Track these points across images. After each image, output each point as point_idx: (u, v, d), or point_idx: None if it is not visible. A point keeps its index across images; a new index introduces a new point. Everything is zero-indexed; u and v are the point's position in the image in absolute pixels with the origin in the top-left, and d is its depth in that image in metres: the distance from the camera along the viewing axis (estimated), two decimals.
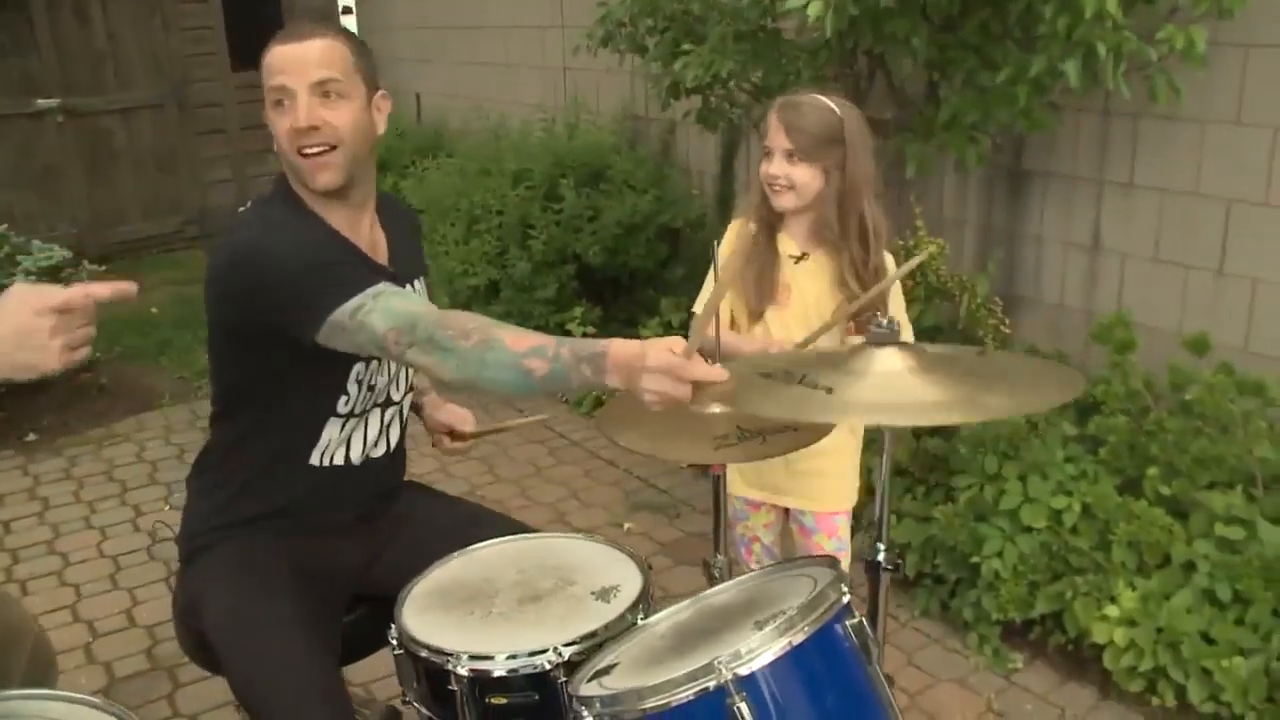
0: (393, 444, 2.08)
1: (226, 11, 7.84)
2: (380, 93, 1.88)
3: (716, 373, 1.46)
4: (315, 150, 1.79)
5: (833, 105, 2.18)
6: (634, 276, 4.93)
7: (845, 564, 2.39)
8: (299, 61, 1.79)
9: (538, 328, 4.83)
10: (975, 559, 2.89)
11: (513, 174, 4.99)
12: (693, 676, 1.35)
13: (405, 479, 2.22)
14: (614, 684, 1.47)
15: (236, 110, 7.86)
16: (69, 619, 3.25)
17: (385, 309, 1.66)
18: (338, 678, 1.83)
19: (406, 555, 1.98)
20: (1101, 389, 3.04)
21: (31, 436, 4.54)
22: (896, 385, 1.50)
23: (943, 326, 3.75)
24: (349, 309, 1.66)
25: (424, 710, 1.76)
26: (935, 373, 1.51)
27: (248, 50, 7.86)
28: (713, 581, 2.03)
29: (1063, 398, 1.49)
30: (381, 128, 1.89)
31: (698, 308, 2.46)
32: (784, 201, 2.20)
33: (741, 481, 2.42)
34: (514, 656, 1.65)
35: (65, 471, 4.25)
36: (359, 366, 1.92)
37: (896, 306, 2.28)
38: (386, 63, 8.26)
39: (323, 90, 1.78)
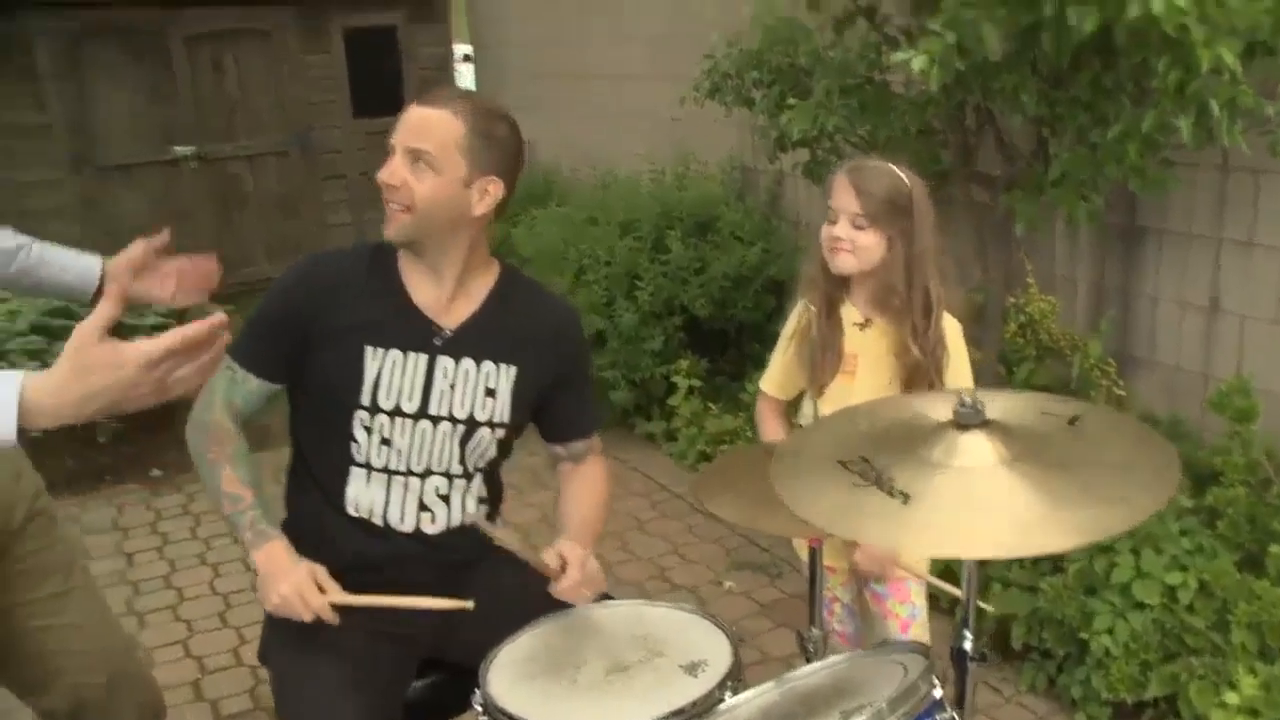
0: (453, 521, 2.06)
1: (350, 61, 8.11)
2: (489, 178, 1.91)
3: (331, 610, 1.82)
4: (392, 206, 1.90)
5: (901, 174, 2.17)
6: (741, 329, 4.92)
7: (920, 631, 2.33)
8: (410, 125, 1.89)
9: (645, 379, 4.88)
10: (1084, 635, 2.79)
11: (621, 224, 5.04)
12: None
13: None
14: None
15: (356, 156, 8.13)
16: (180, 654, 3.36)
17: (220, 377, 1.96)
18: None
19: (488, 622, 1.94)
20: (1220, 459, 2.93)
21: (156, 472, 4.72)
22: (982, 488, 1.42)
23: (1054, 387, 3.66)
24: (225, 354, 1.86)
25: None
26: (1026, 464, 1.45)
27: (368, 99, 8.22)
28: (807, 655, 2.01)
29: (1163, 494, 1.42)
30: (479, 210, 1.92)
31: (765, 383, 2.44)
32: (843, 264, 2.19)
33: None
34: None
35: (184, 507, 4.41)
36: (361, 414, 1.96)
37: (960, 377, 2.24)
38: None
39: (415, 156, 1.87)
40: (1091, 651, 2.77)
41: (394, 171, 1.88)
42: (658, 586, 3.68)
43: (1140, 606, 2.76)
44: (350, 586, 1.92)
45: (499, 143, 1.92)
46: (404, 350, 1.96)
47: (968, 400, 1.53)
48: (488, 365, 2.01)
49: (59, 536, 1.98)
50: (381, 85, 8.23)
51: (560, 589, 1.91)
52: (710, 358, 4.90)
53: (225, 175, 7.82)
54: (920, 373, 2.20)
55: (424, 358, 1.97)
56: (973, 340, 3.83)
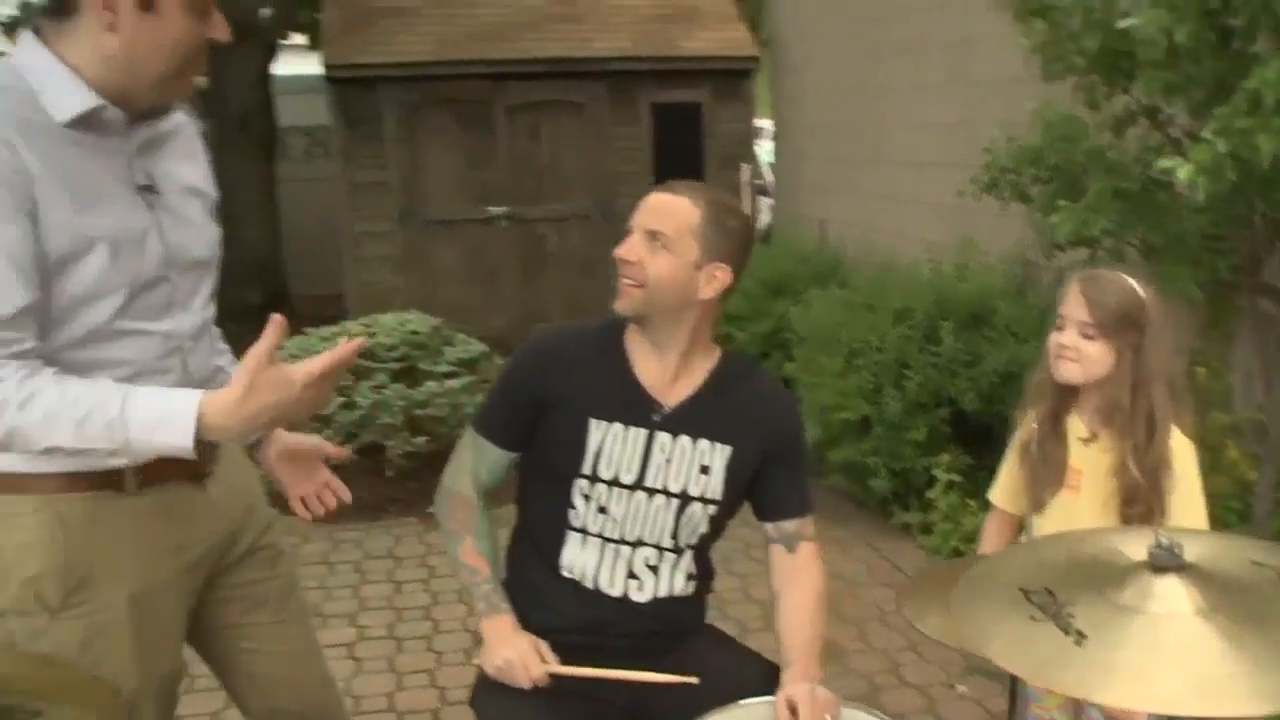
0: (660, 592, 2.12)
1: (655, 134, 8.51)
2: (718, 264, 2.00)
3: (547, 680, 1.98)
4: (626, 280, 2.01)
5: (1137, 286, 2.08)
6: (1008, 426, 4.74)
7: None
8: (650, 208, 2.02)
9: (905, 469, 4.81)
10: None
11: (895, 311, 5.01)
12: None
13: (707, 623, 2.30)
14: None
15: None
16: (426, 682, 3.61)
17: (466, 448, 2.16)
18: None
19: (687, 698, 1.98)
20: None
21: (432, 509, 5.08)
22: (1169, 637, 1.36)
23: None
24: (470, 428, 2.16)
25: None
26: (1222, 616, 1.37)
27: (670, 170, 8.49)
28: None
29: None
30: (706, 294, 2.01)
31: (994, 494, 2.39)
32: (1067, 372, 2.12)
33: None
34: None
35: None
36: (581, 482, 2.05)
37: (1186, 503, 2.11)
38: (795, 190, 8.60)
39: (652, 236, 1.98)
40: None
41: (632, 248, 1.99)
42: (888, 681, 3.61)
43: None
44: (557, 644, 2.04)
45: (730, 233, 2.02)
46: (625, 424, 2.06)
47: (1164, 541, 1.47)
48: (703, 443, 2.08)
49: (280, 572, 2.08)
50: (683, 158, 8.58)
51: None
52: (974, 453, 4.77)
53: (532, 235, 8.37)
54: (1139, 494, 2.09)
55: (643, 432, 2.07)
56: (1250, 463, 3.59)
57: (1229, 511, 3.62)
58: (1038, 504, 2.22)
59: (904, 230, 6.50)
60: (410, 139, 8.22)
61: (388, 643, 3.91)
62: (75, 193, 1.61)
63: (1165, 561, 1.46)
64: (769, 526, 2.18)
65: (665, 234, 1.97)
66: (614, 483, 2.07)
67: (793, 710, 1.89)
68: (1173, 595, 1.43)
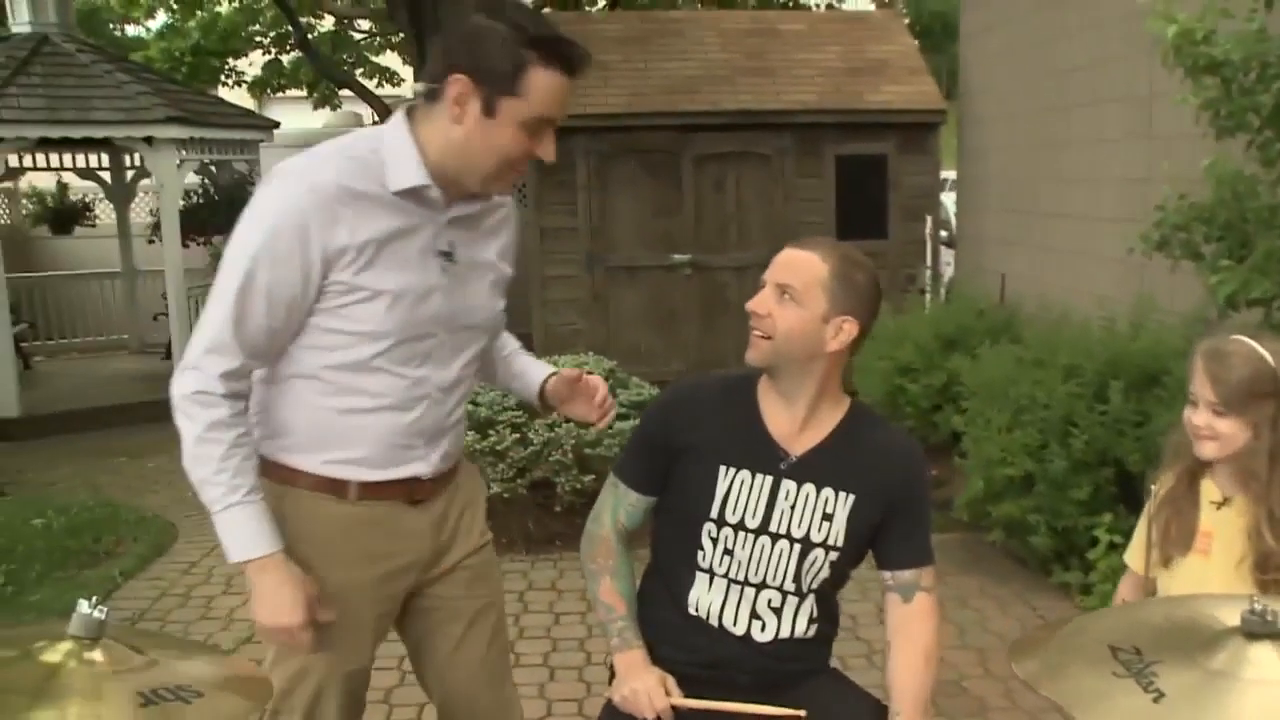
0: (782, 633, 2.21)
1: (839, 186, 8.58)
2: (845, 317, 2.10)
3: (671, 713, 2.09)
4: (756, 332, 2.13)
5: (1265, 354, 2.05)
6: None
7: None
8: (782, 262, 2.14)
9: (1067, 528, 4.73)
10: None
11: (1064, 368, 4.94)
12: None
13: (831, 665, 2.38)
14: None
15: None
16: (574, 710, 3.79)
17: (608, 494, 2.30)
18: None
19: None
20: None
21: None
22: (1255, 705, 1.35)
23: None
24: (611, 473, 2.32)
25: None
26: None
27: (852, 221, 8.64)
28: None
29: None
30: (833, 346, 2.11)
31: (1128, 555, 2.39)
32: (1206, 451, 2.11)
33: None
34: None
35: None
36: (709, 525, 2.17)
37: None
38: (976, 242, 8.51)
39: (782, 290, 2.09)
40: None
41: (762, 301, 2.11)
42: None
43: None
44: (682, 677, 2.17)
45: (857, 287, 2.12)
46: (752, 471, 2.18)
47: (1258, 608, 1.48)
48: (827, 491, 2.17)
49: (479, 593, 2.29)
50: (867, 209, 8.63)
51: None
52: (1139, 514, 4.63)
53: (714, 283, 8.56)
54: (1273, 560, 2.07)
55: (769, 479, 2.17)
56: None
57: None
58: (1165, 562, 2.22)
59: (1080, 286, 6.37)
60: (600, 187, 8.56)
61: (542, 670, 4.11)
62: (380, 251, 1.95)
63: (1258, 628, 1.45)
64: (887, 575, 2.25)
65: (794, 287, 2.09)
66: (740, 526, 2.18)
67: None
68: (1265, 663, 1.41)
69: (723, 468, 2.18)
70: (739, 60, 9.06)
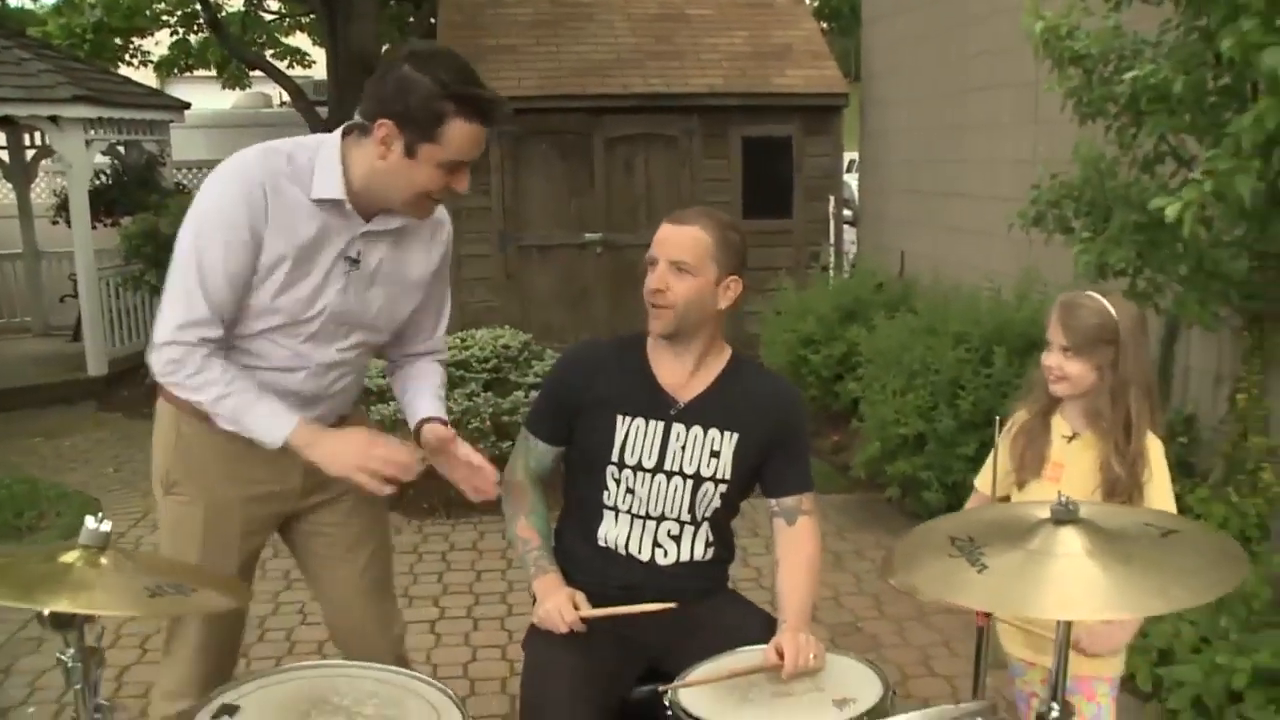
0: (683, 557, 2.49)
1: (745, 166, 8.88)
2: (732, 278, 2.41)
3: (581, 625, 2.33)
4: (658, 306, 2.39)
5: (1109, 306, 2.36)
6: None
7: None
8: (672, 242, 2.40)
9: (956, 483, 5.07)
10: None
11: (954, 336, 5.29)
12: None
13: (730, 588, 2.65)
14: None
15: None
16: (498, 656, 4.02)
17: (521, 445, 2.54)
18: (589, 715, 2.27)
19: (704, 646, 2.31)
20: None
21: None
22: (1054, 569, 1.67)
23: None
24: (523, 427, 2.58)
25: None
26: (1104, 557, 1.68)
27: (758, 201, 8.94)
28: None
29: (1219, 590, 1.62)
30: (723, 305, 2.41)
31: (978, 479, 2.69)
32: (1059, 390, 2.41)
33: (1012, 642, 2.60)
34: None
35: None
36: (611, 468, 2.45)
37: (1157, 497, 2.38)
38: (878, 220, 8.87)
39: (677, 266, 2.37)
40: None
41: (661, 279, 2.38)
42: (918, 671, 3.90)
43: None
44: (599, 597, 2.41)
45: (735, 248, 2.42)
46: (646, 418, 2.46)
47: (1063, 500, 1.79)
48: (713, 432, 2.46)
49: (357, 521, 2.54)
50: (772, 189, 8.94)
51: (785, 676, 2.22)
52: None
53: (624, 261, 8.78)
54: (1120, 486, 2.38)
55: (662, 424, 2.46)
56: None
57: (1256, 529, 3.83)
58: (1020, 485, 2.52)
59: (975, 261, 6.75)
60: (513, 168, 8.73)
61: (465, 622, 4.34)
62: (290, 245, 2.21)
63: (1063, 515, 1.78)
64: (772, 502, 2.54)
65: (688, 262, 2.37)
66: (638, 467, 2.46)
67: (780, 654, 2.23)
68: (1068, 541, 1.75)
69: (620, 416, 2.46)
70: (648, 44, 9.30)
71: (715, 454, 2.46)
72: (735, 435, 2.46)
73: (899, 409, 5.28)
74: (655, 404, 2.46)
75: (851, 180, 10.56)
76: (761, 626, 2.45)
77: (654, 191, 8.86)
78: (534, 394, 5.69)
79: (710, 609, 2.50)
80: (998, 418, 2.54)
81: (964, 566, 1.74)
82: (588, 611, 2.37)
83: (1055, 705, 1.82)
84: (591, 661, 2.34)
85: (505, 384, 5.74)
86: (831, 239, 8.82)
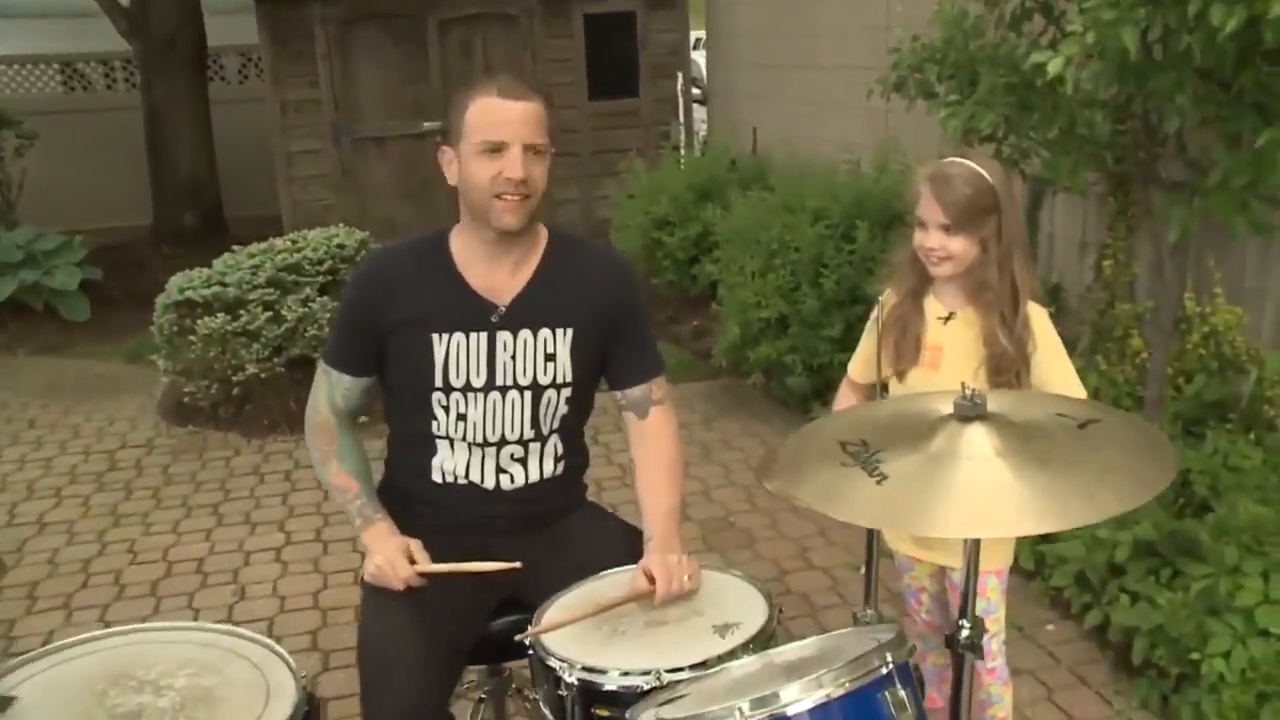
0: (531, 479, 2.22)
1: (588, 46, 8.46)
2: (552, 150, 2.10)
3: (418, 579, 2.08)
4: (516, 198, 2.03)
5: (984, 171, 2.15)
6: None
7: (994, 628, 2.33)
8: (519, 122, 2.03)
9: (822, 366, 4.93)
10: (1198, 656, 2.69)
11: (813, 211, 5.09)
12: (715, 717, 1.45)
13: (588, 499, 2.41)
14: (667, 713, 1.58)
15: (589, 136, 8.51)
16: (350, 581, 3.72)
17: (320, 381, 2.22)
18: (440, 674, 2.04)
19: (561, 575, 2.09)
20: None
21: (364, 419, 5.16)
22: (964, 476, 1.47)
23: (1229, 402, 3.50)
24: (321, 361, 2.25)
25: (546, 711, 1.93)
26: (1017, 457, 1.48)
27: (603, 81, 8.55)
28: None
29: (1151, 491, 1.43)
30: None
31: (850, 367, 2.49)
32: (943, 271, 2.21)
33: (897, 538, 2.44)
34: (624, 674, 1.77)
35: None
36: (438, 394, 2.14)
37: (1053, 363, 2.22)
38: (729, 96, 8.60)
39: (534, 150, 2.04)
40: (1204, 675, 2.67)
41: (526, 166, 2.02)
42: (795, 564, 3.77)
43: (1264, 634, 2.64)
44: (442, 541, 2.13)
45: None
46: (465, 332, 2.13)
47: (968, 393, 1.58)
48: (544, 333, 2.15)
49: None
50: (617, 68, 8.56)
51: (658, 603, 1.98)
52: None
53: None
54: (1007, 361, 2.20)
55: (484, 335, 2.14)
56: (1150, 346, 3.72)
57: (1129, 397, 3.77)
58: (900, 376, 2.32)
59: (831, 134, 6.55)
60: (341, 56, 8.11)
61: (315, 545, 4.03)
62: None
63: (969, 411, 1.57)
64: (618, 395, 2.27)
65: (542, 143, 2.05)
66: (467, 389, 2.15)
67: (651, 579, 1.99)
68: (976, 441, 1.54)
69: (435, 335, 2.13)
70: None
71: (550, 357, 2.17)
72: (569, 330, 2.17)
73: (759, 291, 5.08)
74: (473, 313, 2.14)
75: (700, 58, 10.20)
76: (625, 541, 2.23)
77: (494, 75, 8.37)
78: None
79: (567, 527, 2.27)
80: (880, 299, 2.34)
81: (859, 477, 1.52)
82: (425, 566, 2.09)
83: (965, 623, 1.63)
84: (437, 612, 2.08)
85: (342, 286, 5.31)
86: (681, 117, 8.52)
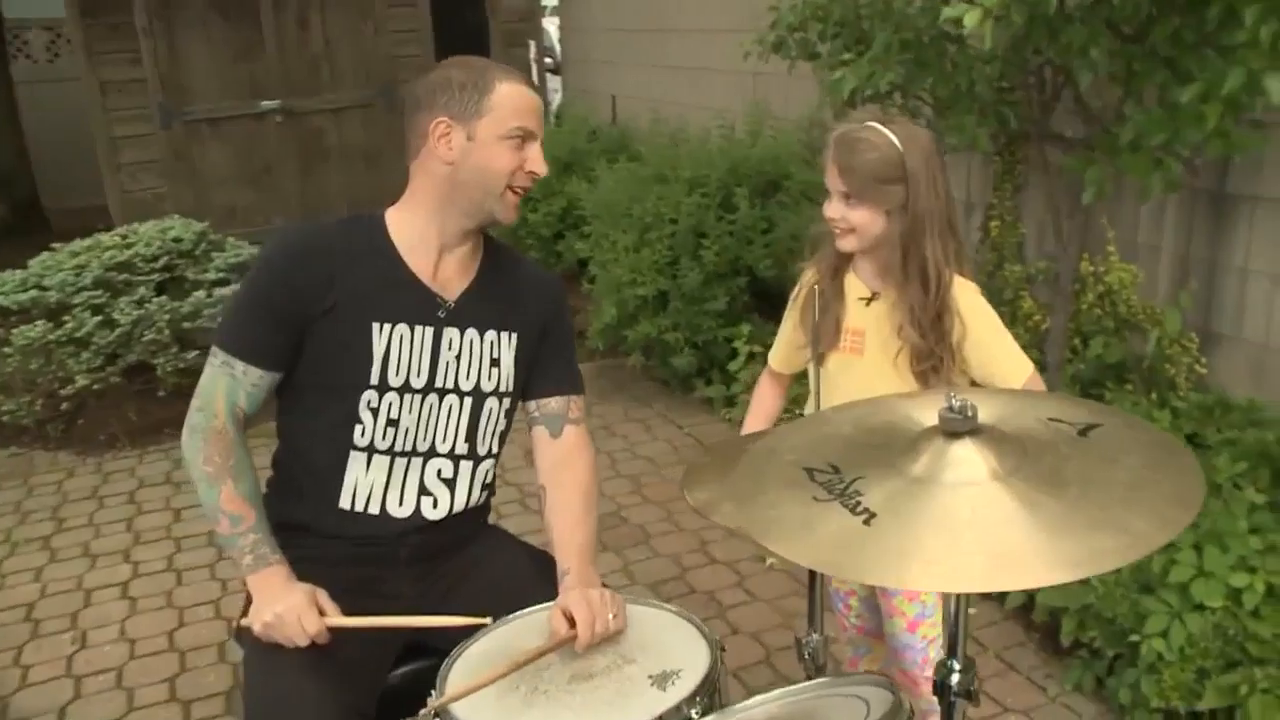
0: (456, 507, 1.96)
1: (434, 15, 8.04)
2: None
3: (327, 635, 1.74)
4: (524, 192, 1.88)
5: (893, 137, 1.92)
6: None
7: (929, 631, 2.15)
8: (535, 111, 1.87)
9: (707, 342, 4.71)
10: (1136, 636, 2.57)
11: (688, 181, 4.85)
12: None
13: (490, 522, 2.13)
14: None
15: None
16: (211, 614, 3.35)
17: (218, 376, 1.82)
18: None
19: (469, 607, 1.82)
20: None
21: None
22: (964, 509, 1.23)
23: (1129, 363, 3.41)
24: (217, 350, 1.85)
25: None
26: (1019, 480, 1.25)
27: (453, 52, 8.08)
28: (803, 661, 1.85)
29: (1176, 524, 1.20)
30: None
31: (770, 356, 2.29)
32: (846, 245, 2.00)
33: None
34: None
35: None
36: (369, 394, 1.85)
37: (993, 344, 2.03)
38: (584, 64, 8.30)
39: (540, 142, 1.88)
40: (1143, 655, 2.55)
41: (542, 163, 1.87)
42: (696, 560, 3.54)
43: (1200, 609, 2.53)
44: (326, 573, 1.82)
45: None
46: (410, 324, 1.87)
47: (956, 403, 1.33)
48: (490, 335, 1.94)
49: None
50: (466, 38, 8.14)
51: (580, 648, 1.71)
52: (774, 322, 4.70)
53: (310, 129, 7.82)
54: (926, 350, 2.00)
55: (430, 330, 1.89)
56: (1044, 313, 3.61)
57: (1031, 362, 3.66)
58: (821, 360, 2.10)
59: (696, 100, 6.34)
60: (165, 30, 7.49)
61: (168, 576, 3.61)
62: None
63: (957, 426, 1.32)
64: (532, 405, 2.04)
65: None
66: (405, 389, 1.87)
67: (571, 621, 1.72)
68: (967, 461, 1.29)
69: (376, 325, 1.85)
70: None
71: (495, 362, 1.94)
72: (514, 336, 1.96)
73: (634, 267, 4.80)
74: (420, 304, 1.88)
75: (551, 25, 9.87)
76: (536, 566, 1.97)
77: (335, 49, 7.84)
78: (220, 293, 4.89)
79: (473, 555, 2.00)
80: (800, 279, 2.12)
81: (841, 515, 1.26)
82: (337, 620, 1.78)
83: (955, 665, 1.40)
84: (339, 669, 1.77)
85: (181, 284, 4.88)
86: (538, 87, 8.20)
